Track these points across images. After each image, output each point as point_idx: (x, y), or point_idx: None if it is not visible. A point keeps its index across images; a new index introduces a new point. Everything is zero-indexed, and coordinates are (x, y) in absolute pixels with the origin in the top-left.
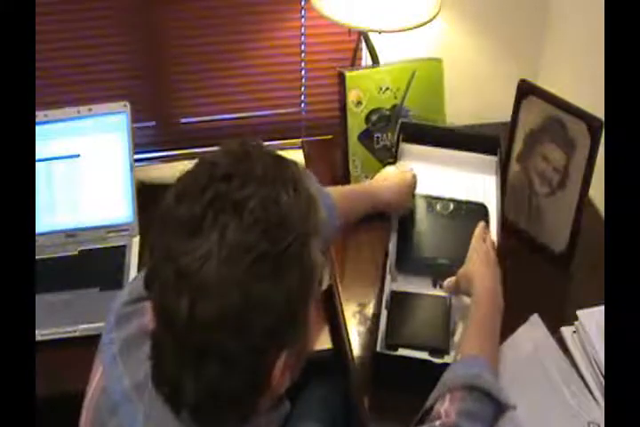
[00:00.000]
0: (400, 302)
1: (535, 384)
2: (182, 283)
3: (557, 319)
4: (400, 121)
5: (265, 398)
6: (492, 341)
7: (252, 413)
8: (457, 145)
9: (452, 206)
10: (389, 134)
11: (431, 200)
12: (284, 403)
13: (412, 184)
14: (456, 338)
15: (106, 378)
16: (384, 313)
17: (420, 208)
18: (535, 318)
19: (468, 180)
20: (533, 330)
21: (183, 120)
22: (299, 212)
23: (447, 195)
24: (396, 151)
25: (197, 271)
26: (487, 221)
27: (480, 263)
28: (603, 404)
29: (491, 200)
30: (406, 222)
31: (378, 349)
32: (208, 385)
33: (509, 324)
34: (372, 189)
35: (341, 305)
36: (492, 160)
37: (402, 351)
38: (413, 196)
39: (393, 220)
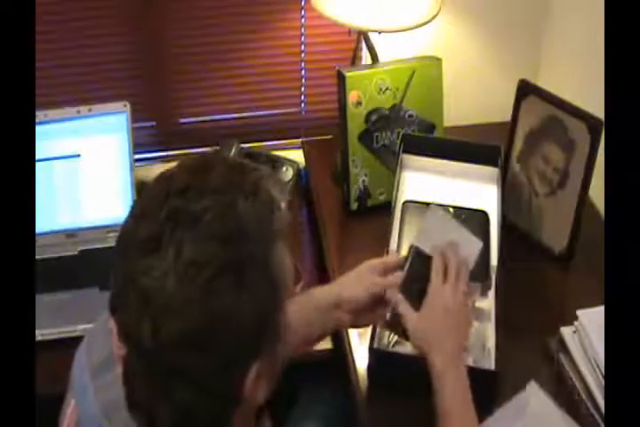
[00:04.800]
0: None
1: None
2: (143, 304)
3: (557, 319)
4: (401, 133)
5: (240, 410)
6: None
7: None
8: (458, 156)
9: (451, 211)
10: (389, 134)
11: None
12: (263, 421)
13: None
14: None
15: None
16: None
17: (420, 213)
18: (533, 386)
19: (469, 190)
20: (531, 400)
21: (183, 120)
22: (258, 216)
23: (448, 203)
24: (398, 162)
25: (156, 291)
26: (487, 228)
27: (437, 321)
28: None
29: (492, 209)
30: (407, 224)
31: (375, 345)
32: (183, 409)
33: (509, 324)
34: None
35: None
36: (493, 171)
37: (398, 348)
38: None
39: (394, 220)
